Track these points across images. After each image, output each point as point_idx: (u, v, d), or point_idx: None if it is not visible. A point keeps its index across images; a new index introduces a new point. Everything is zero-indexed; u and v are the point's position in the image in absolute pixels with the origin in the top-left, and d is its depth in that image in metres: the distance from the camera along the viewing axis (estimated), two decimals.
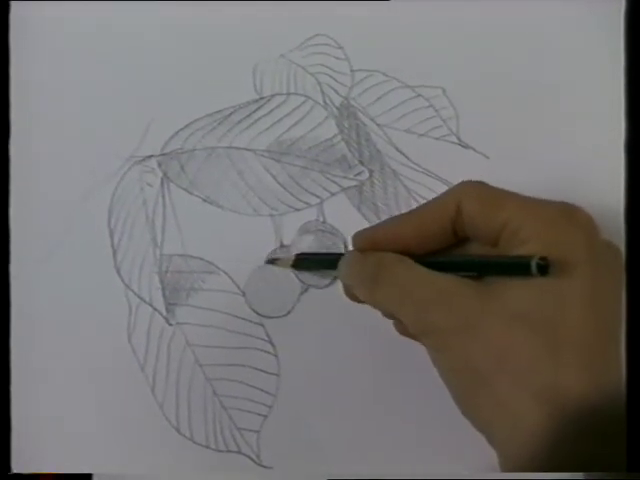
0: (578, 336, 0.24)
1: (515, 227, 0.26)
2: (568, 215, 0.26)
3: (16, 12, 0.39)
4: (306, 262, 0.35)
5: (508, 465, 0.25)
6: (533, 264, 0.24)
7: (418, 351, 0.29)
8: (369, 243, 0.30)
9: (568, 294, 0.24)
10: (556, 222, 0.26)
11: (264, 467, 0.35)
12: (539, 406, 0.23)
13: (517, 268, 0.25)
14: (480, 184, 0.28)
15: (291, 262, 0.35)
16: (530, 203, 0.26)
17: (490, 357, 0.24)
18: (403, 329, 0.32)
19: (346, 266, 0.31)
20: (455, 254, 0.29)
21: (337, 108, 0.38)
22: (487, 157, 0.37)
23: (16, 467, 0.35)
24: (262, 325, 0.36)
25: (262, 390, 0.35)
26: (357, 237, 0.31)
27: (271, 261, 0.36)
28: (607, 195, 0.34)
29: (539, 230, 0.25)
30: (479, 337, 0.25)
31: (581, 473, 0.24)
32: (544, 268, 0.24)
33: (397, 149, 0.37)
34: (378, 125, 0.38)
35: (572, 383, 0.23)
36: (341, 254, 0.32)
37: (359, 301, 0.32)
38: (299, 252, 0.36)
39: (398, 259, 0.28)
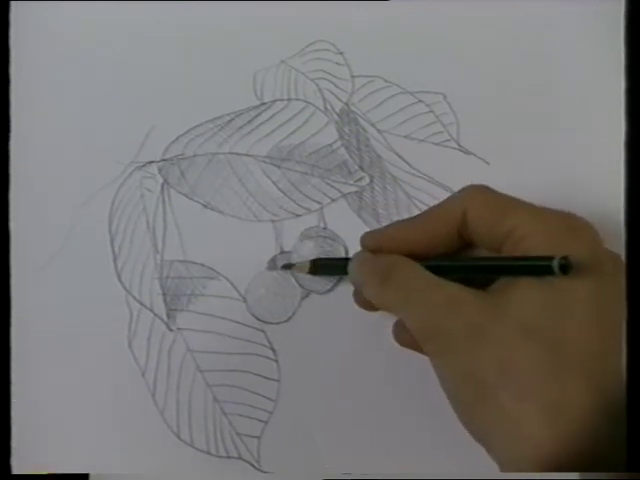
0: (583, 348, 0.24)
1: (519, 236, 0.26)
2: (571, 227, 0.26)
3: (16, 12, 0.39)
4: (322, 268, 0.35)
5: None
6: (555, 264, 0.24)
7: (418, 358, 0.29)
8: (377, 244, 0.30)
9: (572, 305, 0.25)
10: (560, 233, 0.26)
11: (264, 473, 0.35)
12: (544, 421, 0.23)
13: (537, 269, 0.25)
14: (486, 189, 0.28)
15: (308, 269, 0.35)
16: (535, 212, 0.27)
17: (494, 368, 0.24)
18: (403, 339, 0.32)
19: (356, 265, 0.31)
20: (466, 257, 0.29)
21: (337, 114, 0.38)
22: (487, 163, 0.37)
23: (16, 469, 0.35)
24: (263, 331, 0.36)
25: (263, 396, 0.35)
26: (366, 237, 0.31)
27: (287, 266, 0.36)
28: (607, 199, 0.33)
29: (543, 241, 0.26)
30: (484, 346, 0.25)
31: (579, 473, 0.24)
32: (565, 267, 0.24)
33: (397, 155, 0.37)
34: (378, 131, 0.37)
35: (577, 399, 0.23)
36: None
37: (369, 308, 0.32)
38: (301, 258, 0.36)
39: (408, 262, 0.28)
